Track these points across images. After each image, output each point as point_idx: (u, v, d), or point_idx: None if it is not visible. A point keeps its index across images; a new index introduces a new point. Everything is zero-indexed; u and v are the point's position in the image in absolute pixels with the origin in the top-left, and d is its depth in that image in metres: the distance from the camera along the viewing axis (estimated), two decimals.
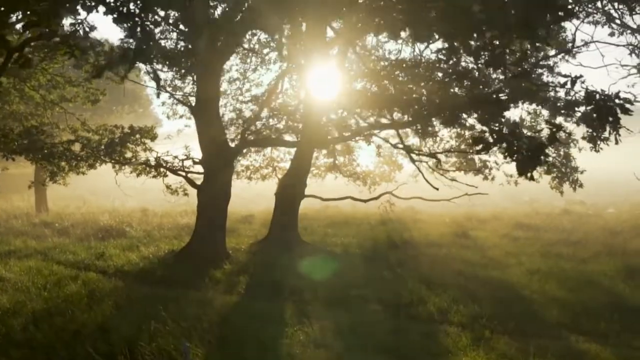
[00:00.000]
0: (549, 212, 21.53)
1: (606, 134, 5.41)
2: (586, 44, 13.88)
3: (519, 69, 7.53)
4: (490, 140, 3.89)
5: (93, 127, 14.80)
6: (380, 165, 21.52)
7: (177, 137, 19.97)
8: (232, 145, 13.38)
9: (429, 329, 7.72)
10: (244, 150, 18.94)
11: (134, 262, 12.17)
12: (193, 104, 13.20)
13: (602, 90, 5.04)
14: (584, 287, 10.13)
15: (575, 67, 68.44)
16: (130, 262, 12.14)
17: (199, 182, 13.14)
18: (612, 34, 12.88)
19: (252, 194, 28.80)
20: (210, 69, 11.48)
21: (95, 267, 11.88)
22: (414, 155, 15.03)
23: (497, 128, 3.87)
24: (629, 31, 12.57)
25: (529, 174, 4.06)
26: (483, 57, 7.00)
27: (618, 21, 12.49)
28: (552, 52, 14.02)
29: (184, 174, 13.02)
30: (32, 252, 13.23)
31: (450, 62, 8.20)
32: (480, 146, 3.89)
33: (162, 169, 13.47)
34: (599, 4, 13.26)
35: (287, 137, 15.01)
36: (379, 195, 16.27)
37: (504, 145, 3.89)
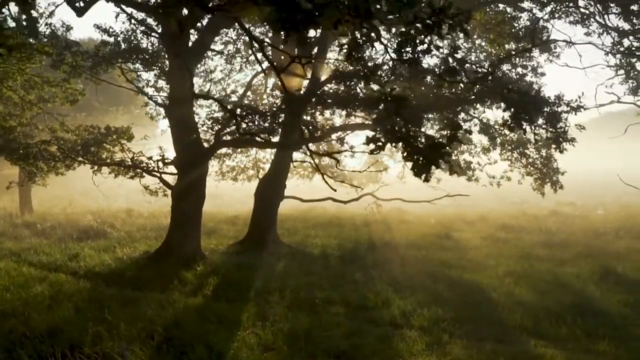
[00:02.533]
0: (536, 214, 21.38)
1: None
2: (568, 43, 13.73)
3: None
4: (383, 140, 3.78)
5: (72, 128, 14.79)
6: (367, 166, 21.43)
7: (162, 137, 19.97)
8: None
9: (387, 332, 7.61)
10: (231, 151, 18.93)
11: (106, 263, 12.09)
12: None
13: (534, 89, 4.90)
14: (555, 290, 10.01)
15: (561, 67, 68.08)
16: (103, 264, 12.05)
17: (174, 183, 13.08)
18: (587, 34, 12.75)
19: (243, 194, 28.77)
20: (182, 68, 11.39)
21: (67, 268, 11.79)
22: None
23: (389, 127, 3.75)
24: (611, 31, 12.41)
25: (423, 176, 3.93)
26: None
27: (595, 21, 12.34)
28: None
29: (158, 174, 12.94)
30: (6, 254, 13.14)
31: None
32: (373, 146, 3.78)
33: (138, 170, 13.41)
34: (580, 3, 13.12)
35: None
36: (359, 196, 16.16)
37: (401, 145, 3.78)
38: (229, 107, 11.82)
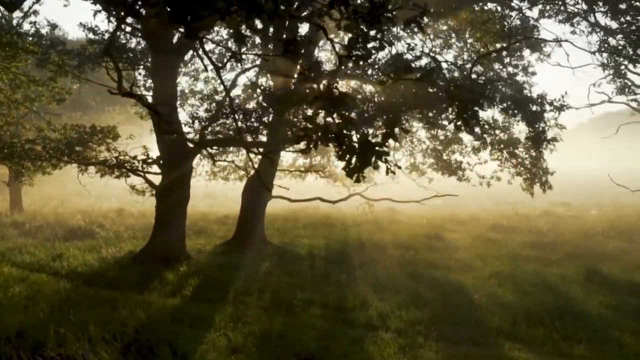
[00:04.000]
0: (528, 214, 21.24)
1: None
2: (554, 41, 13.59)
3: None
4: (314, 137, 3.68)
5: (59, 127, 14.73)
6: None
7: (150, 136, 19.85)
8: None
9: (361, 335, 7.50)
10: (221, 151, 18.83)
11: (89, 263, 12.00)
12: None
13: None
14: (538, 292, 9.89)
15: (553, 66, 67.71)
16: (86, 264, 11.97)
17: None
18: (573, 32, 12.59)
19: (237, 194, 28.69)
20: (165, 67, 11.30)
21: (50, 268, 11.70)
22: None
23: (321, 125, 3.64)
24: (597, 30, 12.28)
25: (355, 176, 3.82)
26: None
27: (582, 19, 12.20)
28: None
29: (142, 174, 12.85)
30: None
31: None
32: (302, 144, 3.67)
33: (123, 169, 13.32)
34: (568, 0, 13.00)
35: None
36: (347, 196, 16.06)
37: (334, 143, 3.67)
38: (204, 106, 11.72)
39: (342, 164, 3.77)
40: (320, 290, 9.87)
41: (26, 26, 13.84)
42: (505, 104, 9.87)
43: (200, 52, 9.79)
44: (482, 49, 13.31)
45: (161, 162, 12.23)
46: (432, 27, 16.67)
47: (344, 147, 3.65)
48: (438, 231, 17.39)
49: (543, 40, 13.32)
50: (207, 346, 6.63)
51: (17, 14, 14.65)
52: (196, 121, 11.47)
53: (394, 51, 9.86)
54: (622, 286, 10.24)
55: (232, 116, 10.64)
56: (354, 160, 3.67)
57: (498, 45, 15.68)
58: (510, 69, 16.09)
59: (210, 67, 12.33)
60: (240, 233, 14.65)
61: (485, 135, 14.44)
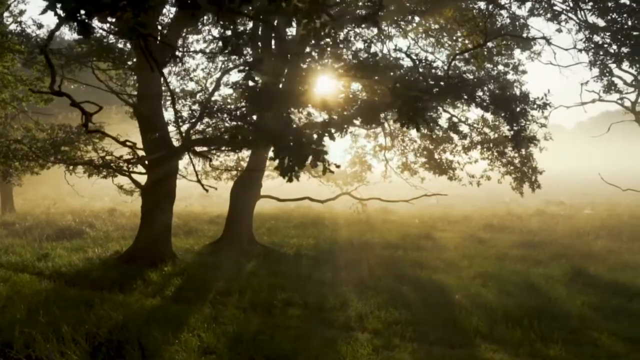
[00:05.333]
0: (521, 213, 21.15)
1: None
2: (539, 39, 13.49)
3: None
4: (250, 137, 3.62)
5: (46, 127, 14.72)
6: (353, 165, 21.30)
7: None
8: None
9: (336, 335, 7.44)
10: (213, 151, 18.77)
11: (74, 263, 11.97)
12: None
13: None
14: (521, 292, 9.82)
15: (545, 65, 67.54)
16: (71, 264, 11.94)
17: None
18: (559, 31, 12.50)
19: None
20: (148, 66, 11.22)
21: (34, 268, 11.68)
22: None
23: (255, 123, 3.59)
24: (582, 28, 12.17)
25: (287, 176, 3.76)
26: None
27: (568, 17, 12.11)
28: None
29: (127, 173, 12.81)
30: None
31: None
32: (237, 143, 3.61)
33: (109, 169, 13.28)
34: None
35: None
36: (336, 196, 16.00)
37: (268, 142, 3.62)
38: (194, 106, 11.68)
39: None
40: (302, 291, 9.80)
41: (12, 26, 13.71)
42: (484, 103, 9.79)
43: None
44: (470, 47, 13.21)
45: (146, 162, 12.18)
46: (422, 26, 16.64)
47: (278, 146, 3.60)
48: (429, 231, 17.32)
49: (519, 38, 13.22)
50: (177, 347, 6.59)
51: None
52: (180, 120, 11.40)
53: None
54: (606, 286, 10.17)
55: (216, 115, 10.58)
56: (287, 160, 3.62)
57: (491, 44, 15.63)
58: (500, 67, 16.06)
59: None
60: (228, 233, 14.63)
61: (473, 134, 14.38)
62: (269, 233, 17.25)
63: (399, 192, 19.13)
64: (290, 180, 3.78)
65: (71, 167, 14.21)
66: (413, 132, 17.95)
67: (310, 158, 3.69)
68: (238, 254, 13.26)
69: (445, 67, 11.24)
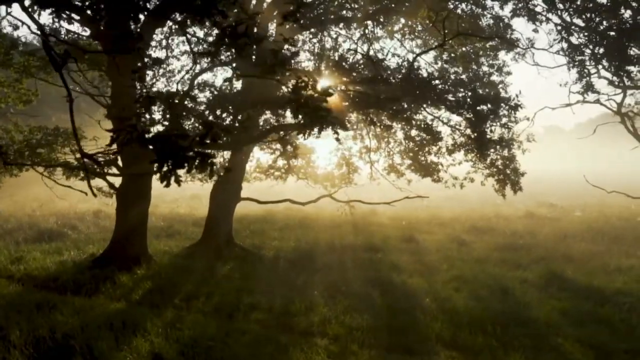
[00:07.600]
0: (509, 215, 20.96)
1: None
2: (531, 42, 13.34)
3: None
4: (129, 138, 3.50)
5: (26, 129, 14.61)
6: (339, 167, 21.13)
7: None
8: None
9: (294, 341, 7.30)
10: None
11: (47, 266, 11.85)
12: None
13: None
14: (492, 296, 9.66)
15: (532, 66, 66.95)
16: (43, 267, 11.82)
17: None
18: (535, 31, 12.35)
19: None
20: (121, 67, 11.12)
21: (5, 272, 11.57)
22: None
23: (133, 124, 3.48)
24: (560, 29, 12.00)
25: (165, 181, 3.63)
26: None
27: (545, 18, 11.95)
28: None
29: (103, 175, 12.68)
30: None
31: None
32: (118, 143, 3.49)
33: (84, 171, 13.16)
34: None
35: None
36: (317, 198, 15.85)
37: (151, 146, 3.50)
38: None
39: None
40: (269, 294, 9.66)
41: None
42: (448, 103, 9.63)
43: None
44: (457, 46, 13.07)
45: (119, 164, 12.06)
46: (407, 26, 16.52)
47: (160, 152, 3.47)
48: (414, 233, 17.15)
49: (484, 38, 13.06)
50: (127, 352, 6.46)
51: None
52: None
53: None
54: (580, 290, 10.00)
55: (189, 116, 10.46)
56: (166, 165, 3.49)
57: (480, 44, 15.50)
58: (485, 68, 15.92)
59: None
60: (207, 235, 14.49)
61: (455, 136, 14.22)
62: (252, 235, 17.10)
63: (386, 194, 18.92)
64: (168, 185, 3.63)
65: (49, 169, 14.12)
66: (399, 134, 17.79)
67: (196, 162, 3.53)
68: (215, 257, 13.12)
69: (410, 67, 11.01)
